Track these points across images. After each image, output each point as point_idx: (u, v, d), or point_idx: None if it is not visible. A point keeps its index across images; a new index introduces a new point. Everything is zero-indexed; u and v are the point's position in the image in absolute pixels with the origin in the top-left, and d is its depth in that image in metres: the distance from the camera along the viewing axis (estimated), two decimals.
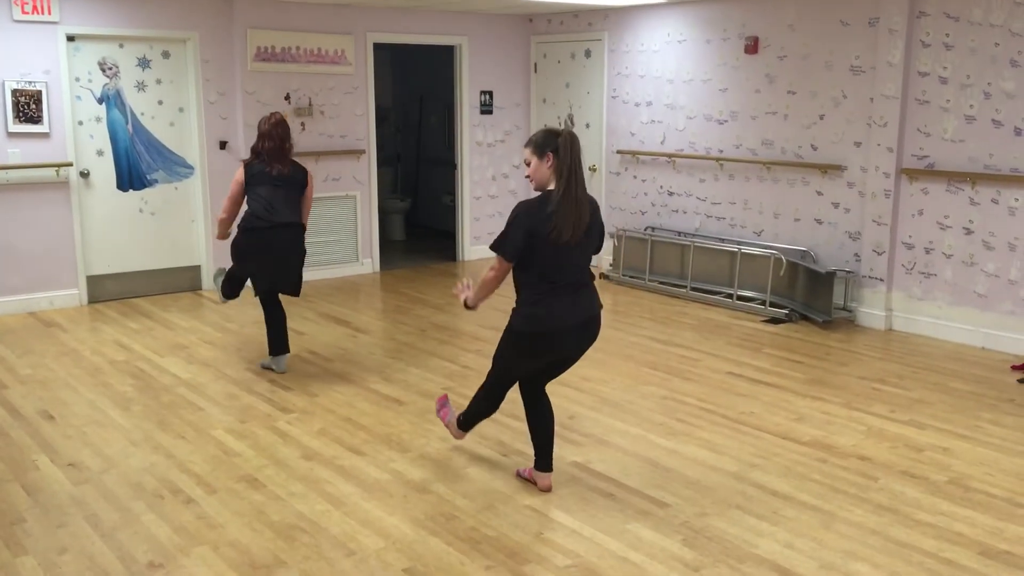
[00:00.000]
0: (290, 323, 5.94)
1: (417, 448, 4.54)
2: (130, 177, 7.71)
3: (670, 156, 8.34)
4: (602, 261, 9.00)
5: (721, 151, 7.95)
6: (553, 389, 5.35)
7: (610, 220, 8.96)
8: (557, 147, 3.65)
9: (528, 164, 3.75)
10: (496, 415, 4.99)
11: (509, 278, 3.85)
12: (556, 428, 4.79)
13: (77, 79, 7.34)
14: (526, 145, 3.79)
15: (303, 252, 5.68)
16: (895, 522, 3.76)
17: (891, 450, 4.52)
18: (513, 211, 3.75)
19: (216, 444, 4.60)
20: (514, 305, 3.84)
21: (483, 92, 9.45)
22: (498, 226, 9.68)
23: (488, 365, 5.99)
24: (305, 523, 3.75)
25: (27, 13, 6.97)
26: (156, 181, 7.83)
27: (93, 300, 7.61)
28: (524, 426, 4.79)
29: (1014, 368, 5.84)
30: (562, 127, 3.88)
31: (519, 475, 4.19)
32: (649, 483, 4.14)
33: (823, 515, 3.82)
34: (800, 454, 4.47)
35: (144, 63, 7.64)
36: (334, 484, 4.12)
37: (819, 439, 4.67)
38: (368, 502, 3.94)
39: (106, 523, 3.75)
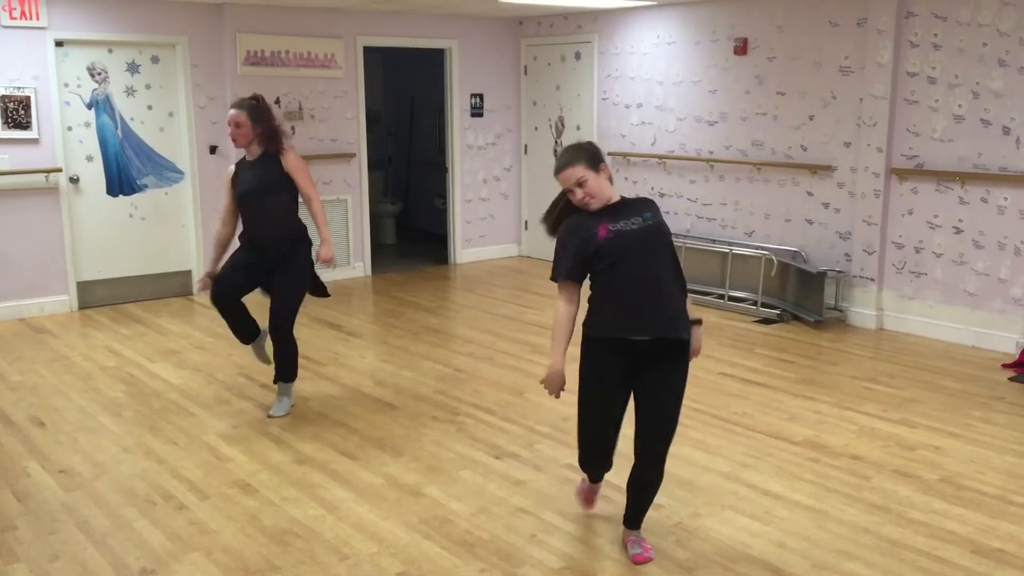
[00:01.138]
0: None
1: (410, 452, 4.54)
2: (120, 182, 7.68)
3: (661, 158, 8.35)
4: None
5: (711, 152, 7.97)
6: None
7: None
8: (603, 157, 3.37)
9: (583, 184, 3.26)
10: (490, 418, 5.01)
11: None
12: (549, 430, 4.81)
13: (66, 84, 7.32)
14: (573, 163, 3.27)
15: None
16: (887, 521, 3.77)
17: (883, 449, 4.54)
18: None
19: (208, 449, 4.59)
20: (684, 321, 3.35)
21: (474, 95, 9.45)
22: (489, 228, 9.78)
23: (480, 367, 5.99)
24: (298, 528, 3.74)
25: (15, 19, 6.94)
26: (146, 186, 7.81)
27: (84, 306, 7.58)
28: (519, 429, 4.81)
29: (1005, 366, 5.87)
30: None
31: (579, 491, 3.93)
32: None
33: (816, 515, 3.83)
34: (792, 454, 4.48)
35: (133, 68, 7.62)
36: (327, 489, 4.11)
37: (811, 439, 4.68)
38: (361, 506, 3.93)
39: (98, 529, 3.74)
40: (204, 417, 5.05)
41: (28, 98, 7.06)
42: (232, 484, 4.17)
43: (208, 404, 5.26)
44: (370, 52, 8.95)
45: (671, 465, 4.33)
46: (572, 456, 4.44)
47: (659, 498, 3.97)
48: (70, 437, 4.76)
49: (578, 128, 9.14)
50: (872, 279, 6.84)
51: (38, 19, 7.03)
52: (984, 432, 4.76)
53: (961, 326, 6.41)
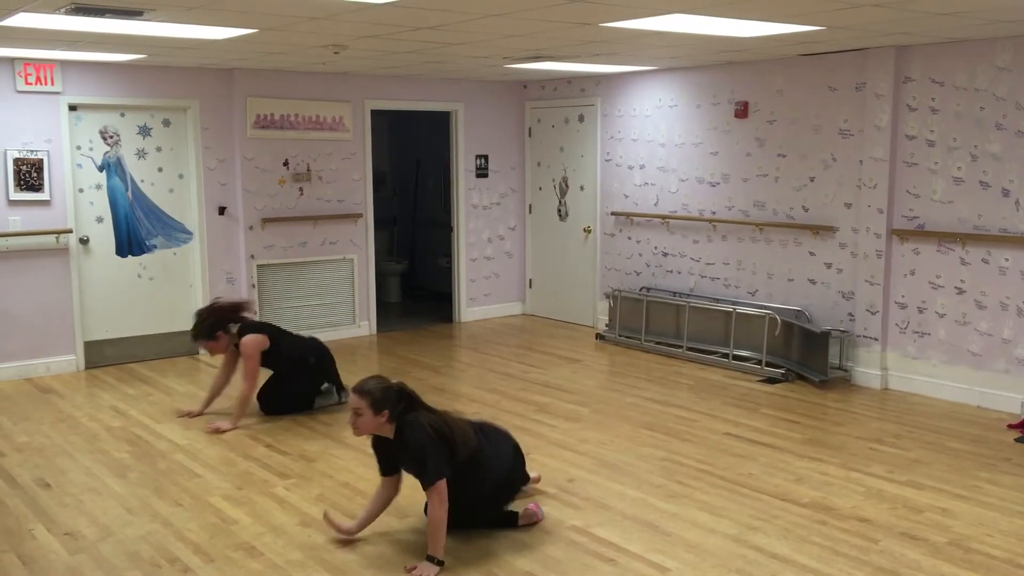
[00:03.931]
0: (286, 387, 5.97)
1: (415, 513, 4.52)
2: (129, 243, 7.78)
3: (664, 218, 8.44)
4: (598, 321, 9.05)
5: (714, 212, 8.06)
6: (552, 452, 5.38)
7: (605, 281, 9.03)
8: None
9: (358, 413, 4.11)
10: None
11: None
12: (555, 491, 4.80)
13: (78, 147, 7.45)
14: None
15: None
16: None
17: (890, 511, 4.52)
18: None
19: (213, 511, 4.58)
20: None
21: (479, 156, 9.58)
22: (494, 287, 9.85)
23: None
24: None
25: (31, 84, 7.10)
26: (155, 247, 7.90)
27: (91, 366, 7.61)
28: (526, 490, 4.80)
29: (1010, 427, 5.86)
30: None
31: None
32: (650, 547, 4.12)
33: None
34: (799, 516, 4.46)
35: (145, 131, 7.76)
36: (332, 552, 4.10)
37: (818, 500, 4.66)
38: (367, 569, 3.91)
39: None
40: (209, 478, 5.05)
41: (41, 161, 7.18)
42: (237, 547, 4.15)
43: (213, 465, 5.26)
44: (377, 115, 9.11)
45: (677, 527, 4.33)
46: (579, 518, 4.44)
47: (666, 561, 3.96)
48: (75, 499, 4.75)
49: (582, 188, 9.25)
50: (876, 339, 6.87)
51: (53, 84, 7.19)
52: (991, 494, 4.74)
53: (966, 386, 6.42)
